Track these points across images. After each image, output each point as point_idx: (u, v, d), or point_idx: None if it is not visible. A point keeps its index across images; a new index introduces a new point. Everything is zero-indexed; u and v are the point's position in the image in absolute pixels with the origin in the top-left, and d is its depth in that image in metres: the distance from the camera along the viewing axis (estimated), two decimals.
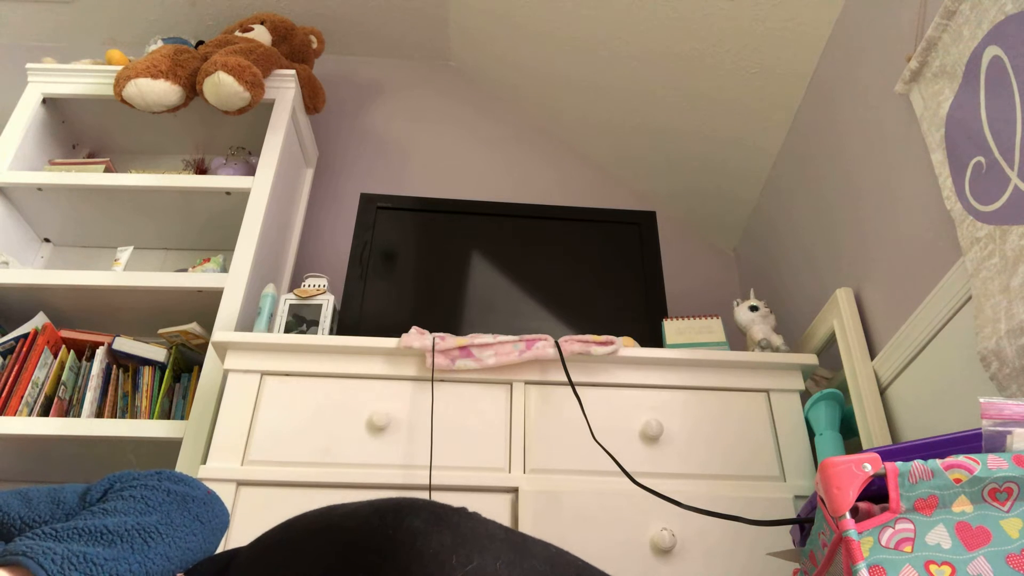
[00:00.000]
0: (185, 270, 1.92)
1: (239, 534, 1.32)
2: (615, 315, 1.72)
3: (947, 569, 0.78)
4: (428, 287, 1.73)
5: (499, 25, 2.36)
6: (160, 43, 2.22)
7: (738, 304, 1.74)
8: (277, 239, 2.03)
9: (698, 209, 2.36)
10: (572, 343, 1.53)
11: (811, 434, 1.51)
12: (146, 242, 2.15)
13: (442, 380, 1.52)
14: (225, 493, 1.36)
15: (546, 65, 2.34)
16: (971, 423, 1.15)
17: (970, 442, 0.89)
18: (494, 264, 1.77)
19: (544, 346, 1.51)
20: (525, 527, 1.35)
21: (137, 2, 2.44)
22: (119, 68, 2.04)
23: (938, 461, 0.82)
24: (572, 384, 1.47)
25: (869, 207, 1.57)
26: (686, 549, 1.35)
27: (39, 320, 1.79)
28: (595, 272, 1.78)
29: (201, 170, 2.20)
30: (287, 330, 1.63)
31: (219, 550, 0.83)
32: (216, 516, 0.81)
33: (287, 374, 1.51)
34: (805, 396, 1.62)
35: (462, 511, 0.66)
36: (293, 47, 2.29)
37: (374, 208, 1.83)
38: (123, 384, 1.78)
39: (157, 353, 1.79)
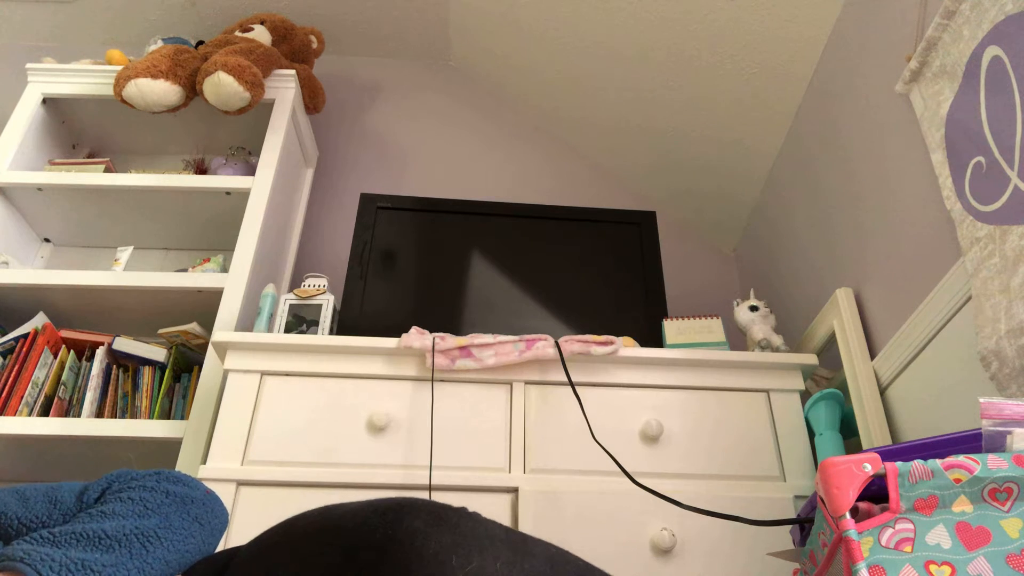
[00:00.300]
0: (185, 270, 1.92)
1: (239, 534, 1.32)
2: (615, 315, 1.72)
3: (947, 569, 0.78)
4: (428, 287, 1.73)
5: (499, 25, 2.36)
6: (160, 43, 2.22)
7: (738, 304, 1.74)
8: (277, 239, 2.03)
9: (698, 209, 2.36)
10: (572, 343, 1.53)
11: (811, 434, 1.51)
12: (146, 242, 2.15)
13: (442, 380, 1.52)
14: (225, 493, 1.36)
15: (546, 65, 2.34)
16: (971, 423, 1.15)
17: (970, 442, 0.89)
18: (494, 264, 1.77)
19: (544, 346, 1.51)
20: (525, 527, 1.35)
21: (137, 2, 2.44)
22: (119, 68, 2.04)
23: (938, 461, 0.82)
24: (572, 384, 1.47)
25: (869, 207, 1.57)
26: (686, 549, 1.35)
27: (39, 320, 1.80)
28: (595, 272, 1.78)
29: (201, 170, 2.20)
30: (287, 330, 1.63)
31: (218, 549, 0.83)
32: (215, 517, 0.80)
33: (287, 374, 1.51)
34: (805, 396, 1.62)
35: (462, 511, 0.66)
36: (293, 47, 2.29)
37: (374, 208, 1.83)
38: (123, 384, 1.78)
39: (157, 353, 1.79)
